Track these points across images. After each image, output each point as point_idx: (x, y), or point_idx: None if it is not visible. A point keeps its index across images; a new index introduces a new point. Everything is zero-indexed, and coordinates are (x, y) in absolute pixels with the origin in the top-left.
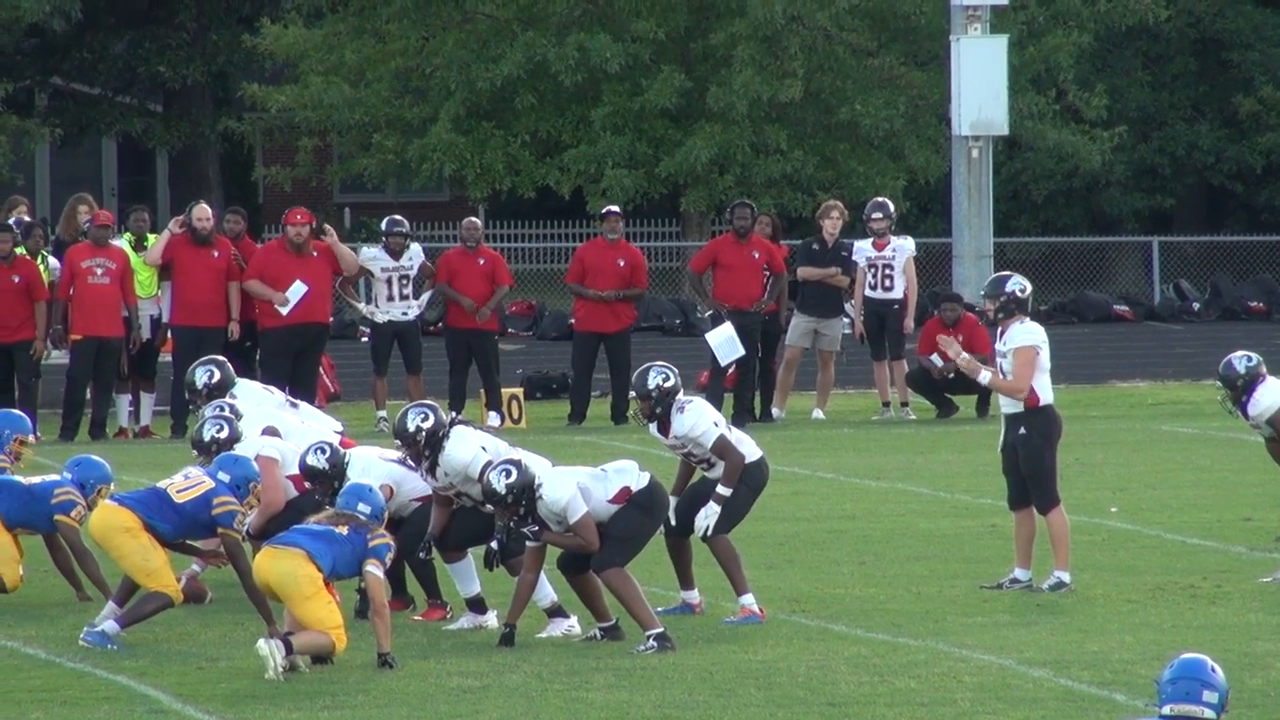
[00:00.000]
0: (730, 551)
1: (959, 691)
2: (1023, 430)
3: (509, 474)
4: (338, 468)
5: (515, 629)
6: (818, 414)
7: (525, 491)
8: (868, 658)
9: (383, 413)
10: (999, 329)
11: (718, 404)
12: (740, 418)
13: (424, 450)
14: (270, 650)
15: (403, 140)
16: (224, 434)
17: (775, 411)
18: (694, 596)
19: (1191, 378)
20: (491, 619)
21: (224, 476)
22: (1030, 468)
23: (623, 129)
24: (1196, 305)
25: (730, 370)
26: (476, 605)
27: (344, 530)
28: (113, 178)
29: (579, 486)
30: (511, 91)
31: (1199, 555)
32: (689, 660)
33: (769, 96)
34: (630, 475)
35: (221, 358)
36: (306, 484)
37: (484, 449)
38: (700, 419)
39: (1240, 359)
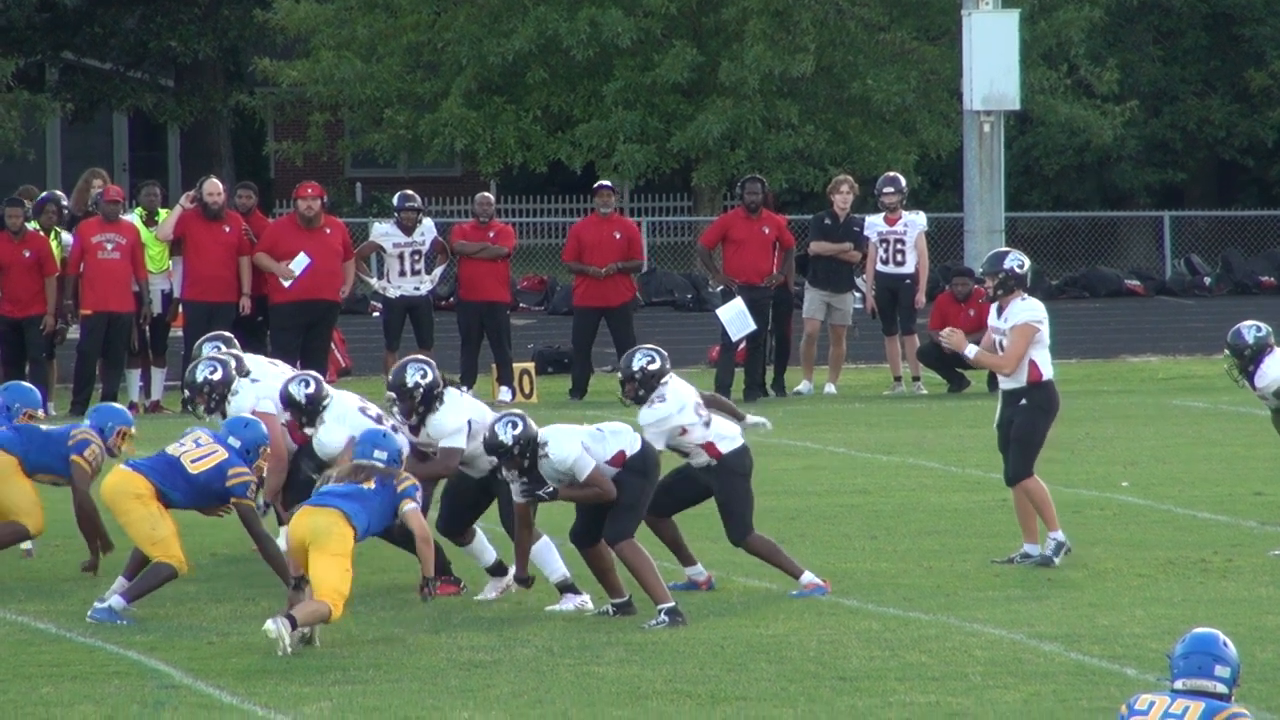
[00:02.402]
0: (768, 545)
1: (970, 666)
2: (1023, 402)
3: (515, 425)
4: (314, 404)
5: (530, 578)
6: (829, 388)
7: (530, 445)
8: (879, 632)
9: None
10: (999, 305)
11: (728, 379)
12: (751, 392)
13: (418, 406)
14: (279, 630)
15: (414, 115)
16: (217, 375)
17: (804, 385)
18: (700, 573)
19: (1203, 352)
20: (511, 579)
21: (235, 442)
22: (1021, 434)
23: (634, 104)
24: (1208, 280)
25: (741, 346)
26: (497, 570)
27: (370, 485)
28: (124, 153)
29: (581, 445)
30: (523, 66)
31: (1210, 530)
32: (700, 635)
33: (780, 71)
34: (625, 438)
35: (229, 334)
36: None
37: (471, 421)
38: (659, 420)
39: (1249, 328)
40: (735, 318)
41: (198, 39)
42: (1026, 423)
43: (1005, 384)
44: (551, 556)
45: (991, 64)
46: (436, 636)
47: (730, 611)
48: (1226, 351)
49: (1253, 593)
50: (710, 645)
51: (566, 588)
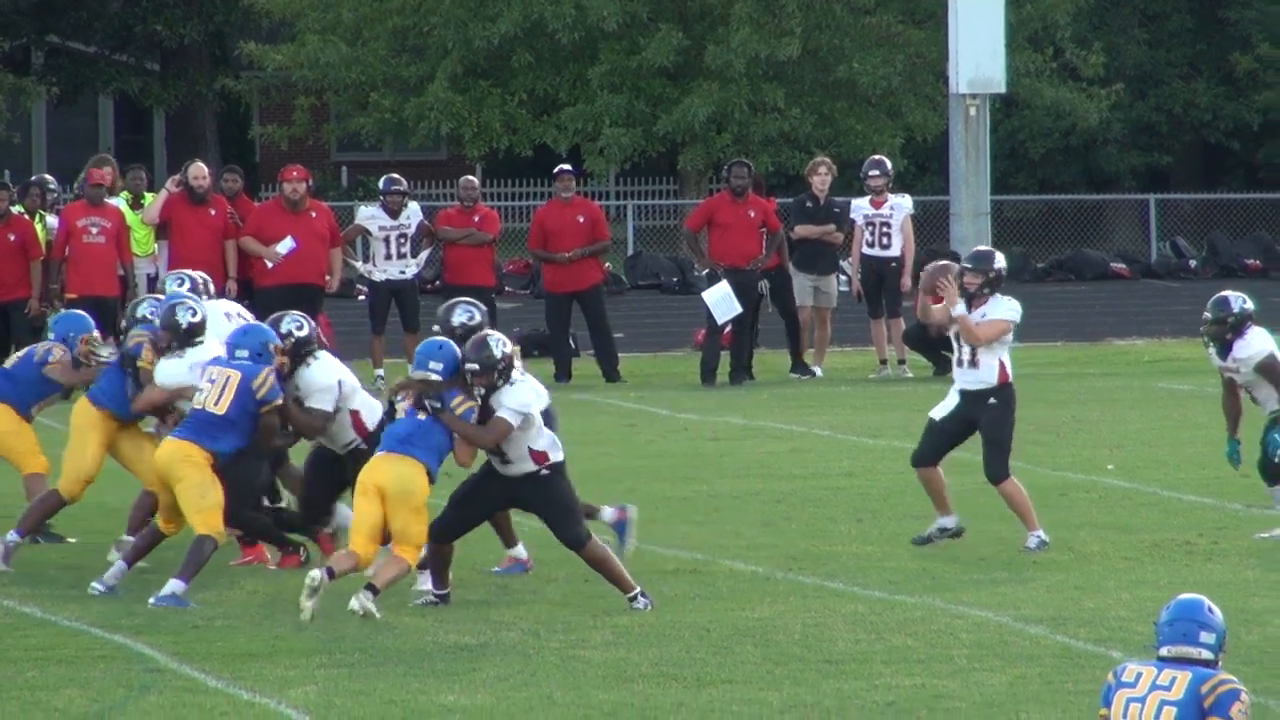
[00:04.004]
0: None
1: (956, 648)
2: (992, 400)
3: (507, 345)
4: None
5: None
6: (815, 371)
7: (506, 371)
8: (865, 615)
9: (380, 371)
10: (969, 300)
11: (714, 363)
12: (737, 375)
13: (288, 357)
14: (364, 604)
15: (400, 99)
16: (198, 317)
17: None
18: (520, 552)
19: (1188, 335)
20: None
21: (242, 354)
22: (996, 435)
23: (620, 87)
24: (1193, 263)
25: (726, 329)
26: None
27: (423, 416)
28: (110, 137)
29: (535, 412)
30: (509, 50)
31: (1196, 512)
32: (686, 618)
33: (767, 55)
34: (556, 446)
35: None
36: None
37: (341, 382)
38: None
39: (1236, 298)
40: (720, 301)
41: (183, 22)
42: (999, 423)
43: (968, 385)
44: (347, 518)
45: (977, 47)
46: (422, 620)
47: (716, 595)
48: (1207, 316)
49: (1239, 575)
50: (696, 628)
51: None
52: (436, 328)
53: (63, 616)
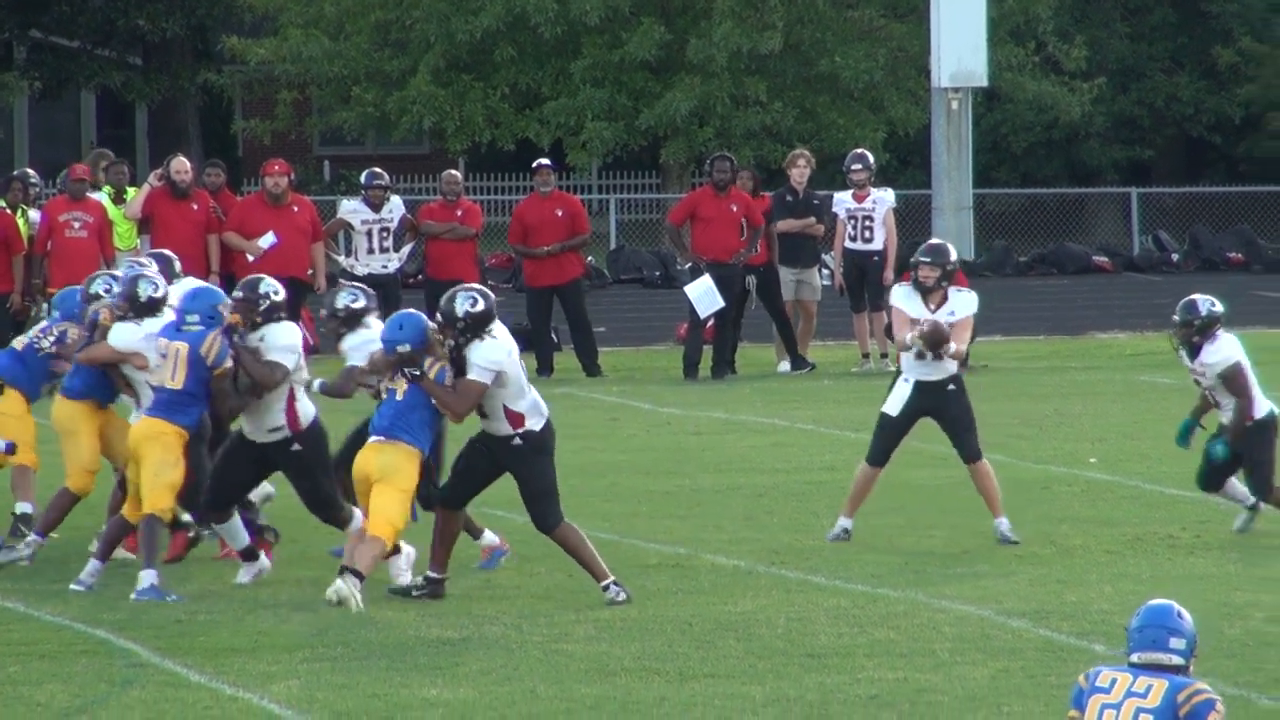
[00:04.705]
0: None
1: (938, 642)
2: (951, 386)
3: (475, 303)
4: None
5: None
6: (813, 363)
7: (474, 328)
8: (847, 609)
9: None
10: (925, 293)
11: (696, 357)
12: (719, 369)
13: (257, 315)
14: (349, 590)
15: (382, 93)
16: (115, 289)
17: (783, 365)
18: (490, 538)
19: (1170, 329)
20: (265, 562)
21: (192, 319)
22: (965, 418)
23: (602, 81)
24: (1175, 256)
25: (709, 323)
26: (249, 555)
27: (403, 391)
28: (92, 131)
29: (507, 368)
30: (491, 44)
31: (1178, 506)
32: (668, 612)
33: (749, 48)
34: (537, 411)
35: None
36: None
37: (300, 354)
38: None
39: (1205, 301)
40: (703, 295)
41: (166, 17)
42: (966, 405)
43: (928, 376)
44: (238, 526)
45: (959, 41)
46: (405, 614)
47: (698, 589)
48: (1175, 319)
49: (1221, 569)
50: (678, 622)
51: (250, 555)
52: (324, 311)
53: (45, 611)
